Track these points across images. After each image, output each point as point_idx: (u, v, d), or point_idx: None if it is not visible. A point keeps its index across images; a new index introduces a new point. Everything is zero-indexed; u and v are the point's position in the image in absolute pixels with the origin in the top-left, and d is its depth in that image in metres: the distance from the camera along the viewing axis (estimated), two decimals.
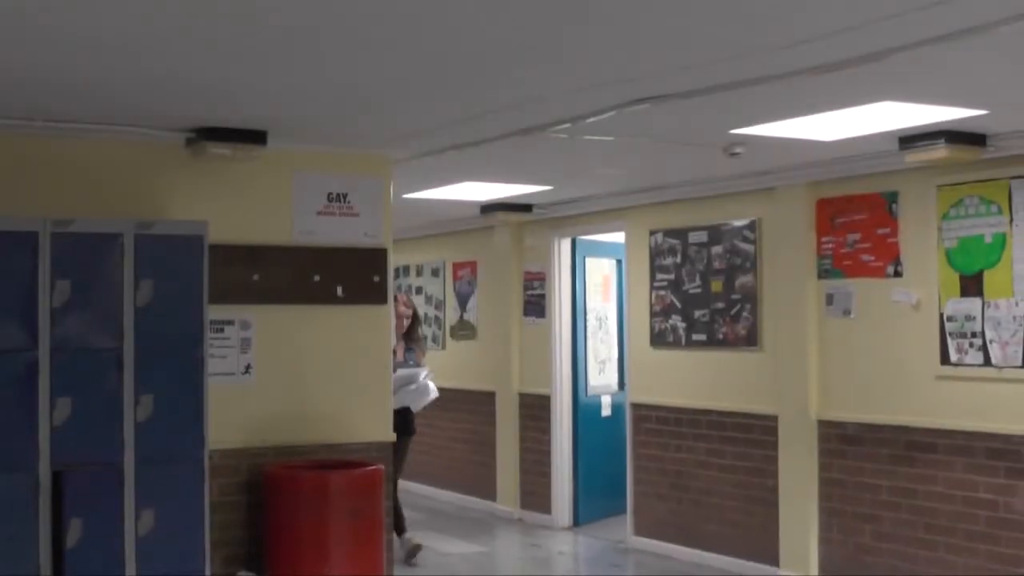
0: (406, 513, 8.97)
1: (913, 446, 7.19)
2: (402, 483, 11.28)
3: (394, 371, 8.09)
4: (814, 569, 7.80)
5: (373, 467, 6.51)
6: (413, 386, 8.74)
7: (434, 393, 8.95)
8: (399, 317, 8.67)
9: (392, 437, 7.08)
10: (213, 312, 6.04)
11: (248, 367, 6.57)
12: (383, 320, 7.06)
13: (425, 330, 12.36)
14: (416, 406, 8.78)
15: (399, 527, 8.59)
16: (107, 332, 5.57)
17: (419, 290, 12.39)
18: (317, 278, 6.77)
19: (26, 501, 5.37)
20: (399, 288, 9.83)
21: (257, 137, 6.25)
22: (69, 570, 5.41)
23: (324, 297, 6.79)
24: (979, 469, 6.81)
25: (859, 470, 7.53)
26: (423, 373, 8.86)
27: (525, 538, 9.94)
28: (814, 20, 4.15)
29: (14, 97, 5.39)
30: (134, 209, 6.04)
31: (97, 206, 5.99)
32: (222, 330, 6.45)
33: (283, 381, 6.65)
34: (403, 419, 8.34)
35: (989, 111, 5.85)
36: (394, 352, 8.23)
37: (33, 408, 5.37)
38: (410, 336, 8.98)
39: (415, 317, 9.13)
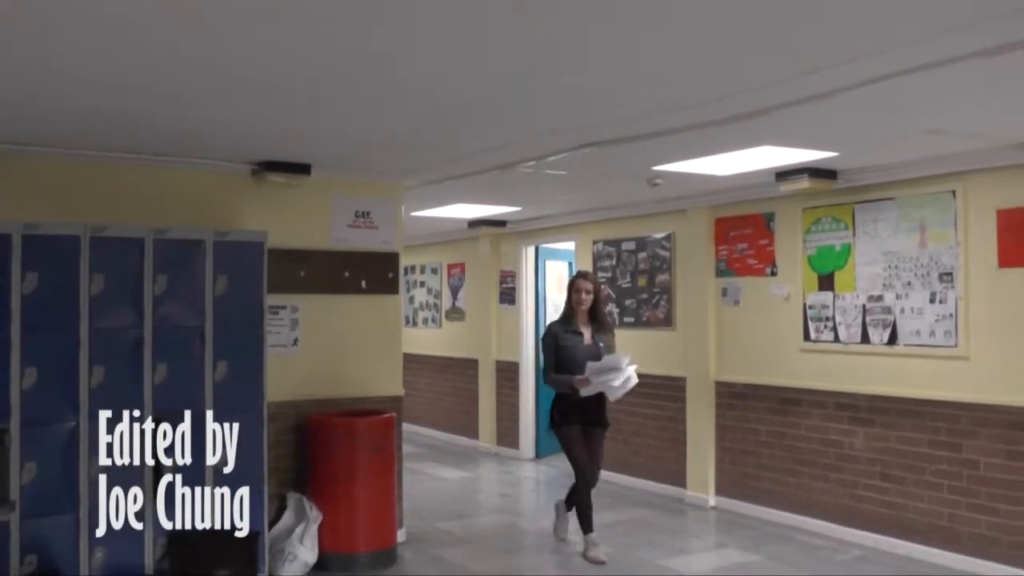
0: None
1: (783, 401, 7.24)
2: (412, 427, 11.25)
3: (575, 354, 6.13)
4: (712, 490, 7.85)
5: (388, 414, 6.42)
6: (617, 380, 5.97)
7: (634, 381, 6.09)
8: (578, 292, 6.21)
9: (401, 391, 6.88)
10: (270, 299, 5.97)
11: (296, 340, 6.51)
12: (395, 306, 6.98)
13: (425, 313, 12.28)
14: (613, 396, 6.10)
15: (587, 525, 6.28)
16: (193, 314, 5.48)
17: (422, 284, 12.27)
18: (347, 274, 6.72)
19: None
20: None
21: (304, 169, 6.23)
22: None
23: (352, 288, 6.74)
24: (830, 418, 6.87)
25: (745, 418, 7.57)
26: (626, 360, 6.00)
27: (500, 466, 9.93)
28: (716, 85, 4.18)
29: (128, 137, 5.37)
30: (213, 221, 6.01)
31: (187, 218, 5.95)
32: (277, 313, 6.39)
33: (322, 351, 6.59)
34: (596, 410, 6.21)
35: (839, 153, 5.88)
36: (579, 333, 6.27)
37: (139, 371, 5.30)
38: (594, 317, 6.29)
39: (597, 295, 6.30)
